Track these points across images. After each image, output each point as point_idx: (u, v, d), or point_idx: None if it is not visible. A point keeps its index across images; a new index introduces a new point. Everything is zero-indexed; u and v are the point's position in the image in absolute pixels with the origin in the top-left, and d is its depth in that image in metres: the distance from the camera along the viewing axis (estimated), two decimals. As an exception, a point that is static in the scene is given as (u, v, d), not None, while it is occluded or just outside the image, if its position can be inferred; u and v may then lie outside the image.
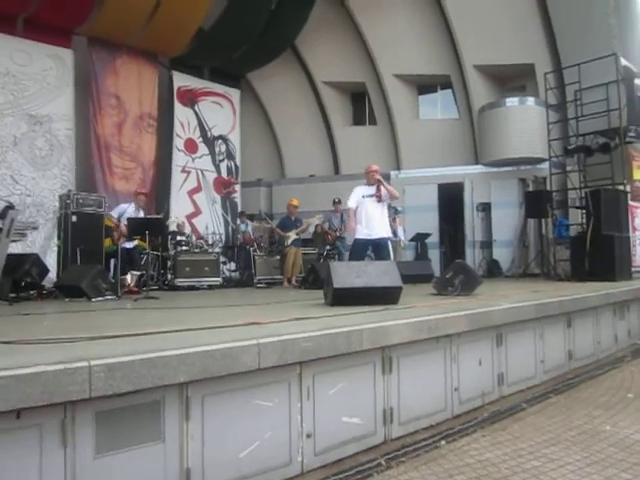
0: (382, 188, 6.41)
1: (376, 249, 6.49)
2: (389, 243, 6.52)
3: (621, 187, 10.36)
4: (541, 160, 12.32)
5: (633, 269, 9.87)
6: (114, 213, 8.39)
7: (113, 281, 7.33)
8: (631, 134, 10.80)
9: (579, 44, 12.05)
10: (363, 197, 6.46)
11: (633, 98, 10.97)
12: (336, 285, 4.64)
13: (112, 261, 8.43)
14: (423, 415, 3.84)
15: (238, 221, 13.24)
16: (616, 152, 10.59)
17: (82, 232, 8.34)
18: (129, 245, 8.29)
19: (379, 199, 6.40)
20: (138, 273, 8.42)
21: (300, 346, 2.97)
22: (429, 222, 13.25)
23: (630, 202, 10.35)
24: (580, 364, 5.94)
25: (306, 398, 3.09)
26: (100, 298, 6.46)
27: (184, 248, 10.61)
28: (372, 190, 6.46)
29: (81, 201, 8.55)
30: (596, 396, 4.79)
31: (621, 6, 12.05)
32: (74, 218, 8.38)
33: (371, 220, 6.41)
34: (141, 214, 8.40)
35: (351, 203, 6.51)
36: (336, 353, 3.17)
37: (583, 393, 4.93)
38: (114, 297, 6.76)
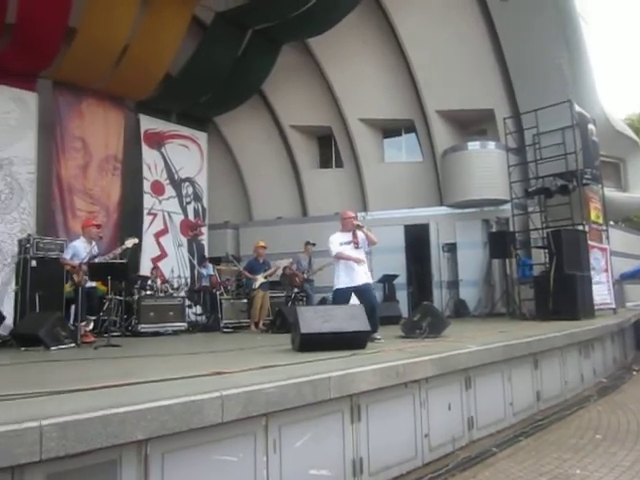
0: (358, 234, 6.29)
1: (361, 295, 6.20)
2: (371, 287, 6.37)
3: (580, 227, 10.67)
4: (503, 202, 12.65)
5: (595, 307, 10.05)
6: (66, 255, 7.59)
7: (73, 328, 7.02)
8: (587, 176, 11.18)
9: (535, 91, 12.59)
10: (341, 245, 6.28)
11: (587, 142, 11.41)
12: (303, 330, 4.57)
13: (72, 307, 7.99)
14: (393, 464, 3.75)
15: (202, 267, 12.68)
16: (574, 194, 10.92)
17: (42, 277, 8.09)
18: (86, 286, 7.34)
19: (357, 246, 6.26)
20: (93, 318, 7.76)
21: (266, 397, 2.88)
22: (396, 263, 13.31)
23: (589, 242, 10.63)
24: (548, 405, 5.96)
25: (272, 451, 2.98)
26: (59, 347, 6.19)
27: (148, 292, 10.35)
28: (348, 237, 6.31)
29: (41, 245, 8.34)
30: (565, 438, 4.78)
31: (574, 56, 12.67)
32: (34, 263, 8.15)
33: (352, 268, 6.23)
34: (96, 249, 7.61)
35: (337, 250, 6.26)
36: (303, 403, 3.08)
37: (552, 435, 4.92)
38: (73, 345, 6.49)
